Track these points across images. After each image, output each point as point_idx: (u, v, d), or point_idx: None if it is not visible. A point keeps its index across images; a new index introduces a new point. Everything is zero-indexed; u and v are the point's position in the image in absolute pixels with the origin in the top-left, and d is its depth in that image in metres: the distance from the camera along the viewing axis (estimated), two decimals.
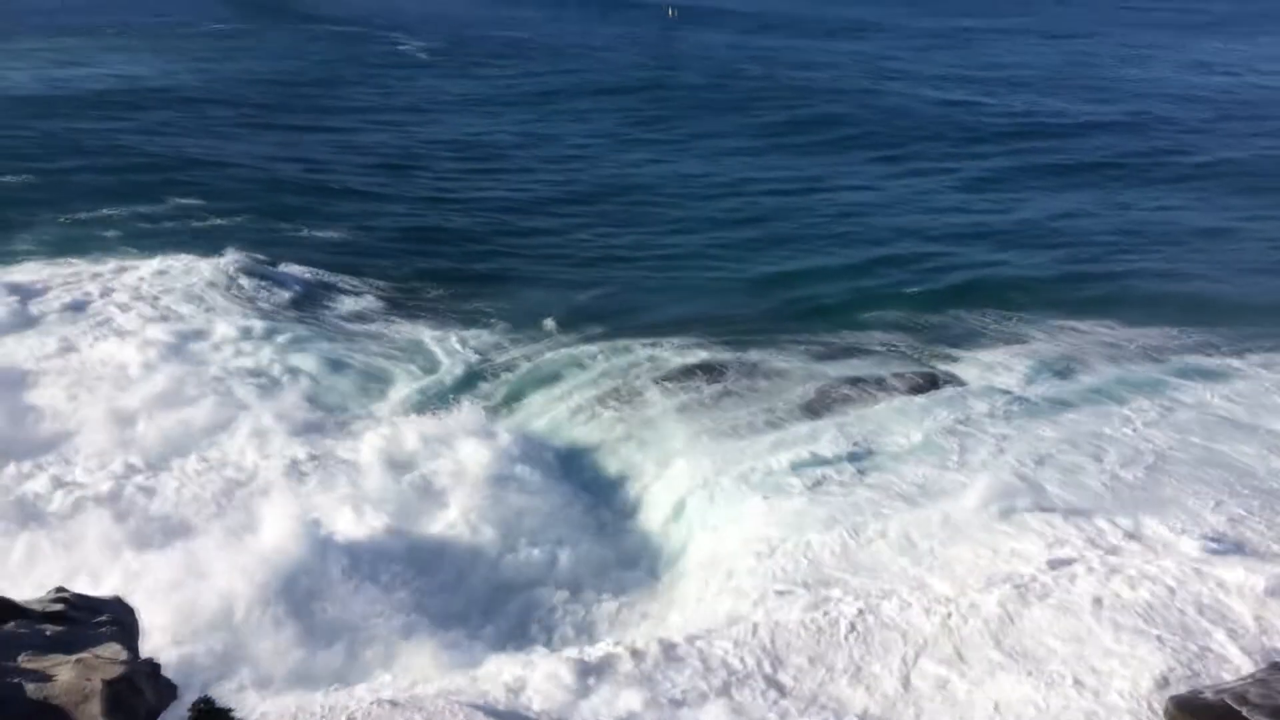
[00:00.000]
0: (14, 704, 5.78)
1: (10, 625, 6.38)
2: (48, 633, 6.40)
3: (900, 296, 32.98)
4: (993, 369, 27.06)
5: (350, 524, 19.33)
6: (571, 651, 16.13)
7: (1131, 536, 18.86)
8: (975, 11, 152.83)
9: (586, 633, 17.64)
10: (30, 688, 5.90)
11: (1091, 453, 22.35)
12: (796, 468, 21.79)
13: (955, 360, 27.88)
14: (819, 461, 22.03)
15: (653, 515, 21.45)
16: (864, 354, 28.23)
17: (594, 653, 15.93)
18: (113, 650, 6.79)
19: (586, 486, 21.97)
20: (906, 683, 15.61)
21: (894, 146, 55.05)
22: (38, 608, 6.79)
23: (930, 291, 33.48)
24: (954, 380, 26.18)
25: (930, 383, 25.86)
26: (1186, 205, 44.59)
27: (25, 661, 6.02)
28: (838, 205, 44.37)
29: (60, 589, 7.07)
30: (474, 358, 27.74)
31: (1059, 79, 79.22)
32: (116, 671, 6.51)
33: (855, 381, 25.93)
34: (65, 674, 6.36)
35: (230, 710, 7.74)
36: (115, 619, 7.49)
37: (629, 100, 70.11)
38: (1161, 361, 27.67)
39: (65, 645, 6.71)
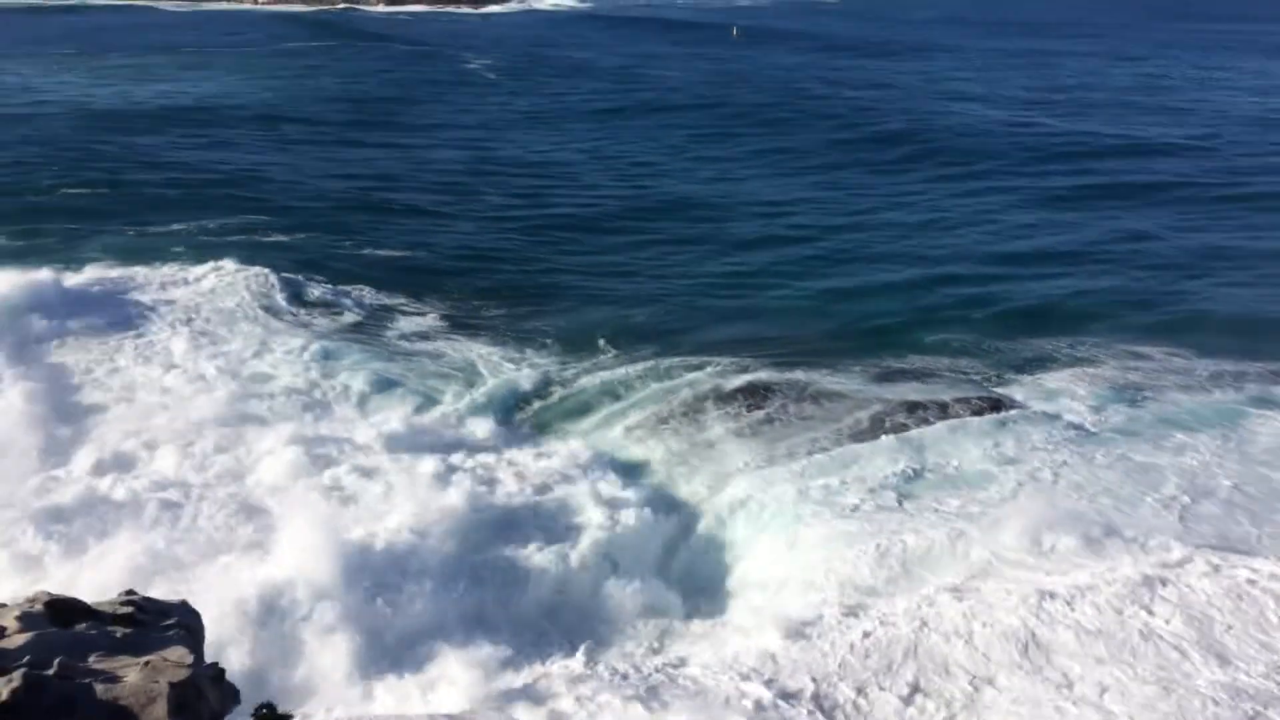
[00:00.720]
0: (84, 704, 5.92)
1: (82, 626, 6.55)
2: (117, 635, 6.55)
3: (964, 318, 32.40)
4: (1056, 395, 26.44)
5: (393, 537, 19.39)
6: (601, 670, 16.23)
7: (1184, 565, 18.21)
8: (1044, 33, 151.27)
9: (615, 651, 17.60)
10: (99, 688, 6.04)
11: (1152, 483, 21.62)
12: (838, 493, 21.51)
13: (1017, 385, 27.31)
14: (863, 487, 21.71)
15: (694, 537, 21.38)
16: (923, 377, 27.80)
17: (616, 670, 16.07)
18: (179, 654, 6.93)
19: (630, 506, 21.75)
20: (903, 715, 15.27)
21: (960, 166, 54.47)
22: (108, 610, 6.97)
23: (995, 313, 32.86)
24: (1015, 406, 25.66)
25: (990, 408, 25.41)
26: (1262, 228, 43.37)
27: (95, 662, 6.18)
28: (902, 225, 44.00)
29: (130, 592, 7.24)
30: (528, 376, 27.73)
31: (1128, 100, 77.90)
32: (182, 675, 6.63)
33: (912, 406, 25.51)
34: (133, 676, 6.50)
35: (290, 716, 7.83)
36: (182, 623, 7.64)
37: (694, 118, 70.48)
38: (1237, 390, 26.61)
39: (133, 647, 6.86)
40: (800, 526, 20.51)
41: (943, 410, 25.18)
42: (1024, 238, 42.17)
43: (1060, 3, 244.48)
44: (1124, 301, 34.24)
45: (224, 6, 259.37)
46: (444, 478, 21.95)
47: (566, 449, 23.98)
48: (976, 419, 24.68)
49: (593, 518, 20.89)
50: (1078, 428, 24.39)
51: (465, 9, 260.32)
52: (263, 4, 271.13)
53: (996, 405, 25.57)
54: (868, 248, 40.69)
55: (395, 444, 23.43)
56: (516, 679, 16.15)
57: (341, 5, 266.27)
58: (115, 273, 34.76)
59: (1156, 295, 35.00)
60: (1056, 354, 29.35)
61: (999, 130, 63.69)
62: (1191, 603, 17.07)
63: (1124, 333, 30.99)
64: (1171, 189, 49.73)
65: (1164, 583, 17.65)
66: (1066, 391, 26.52)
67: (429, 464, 22.36)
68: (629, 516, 21.02)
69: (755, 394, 26.11)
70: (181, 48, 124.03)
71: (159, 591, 16.43)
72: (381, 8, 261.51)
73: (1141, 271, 37.60)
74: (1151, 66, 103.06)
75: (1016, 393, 26.65)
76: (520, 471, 22.64)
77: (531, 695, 15.51)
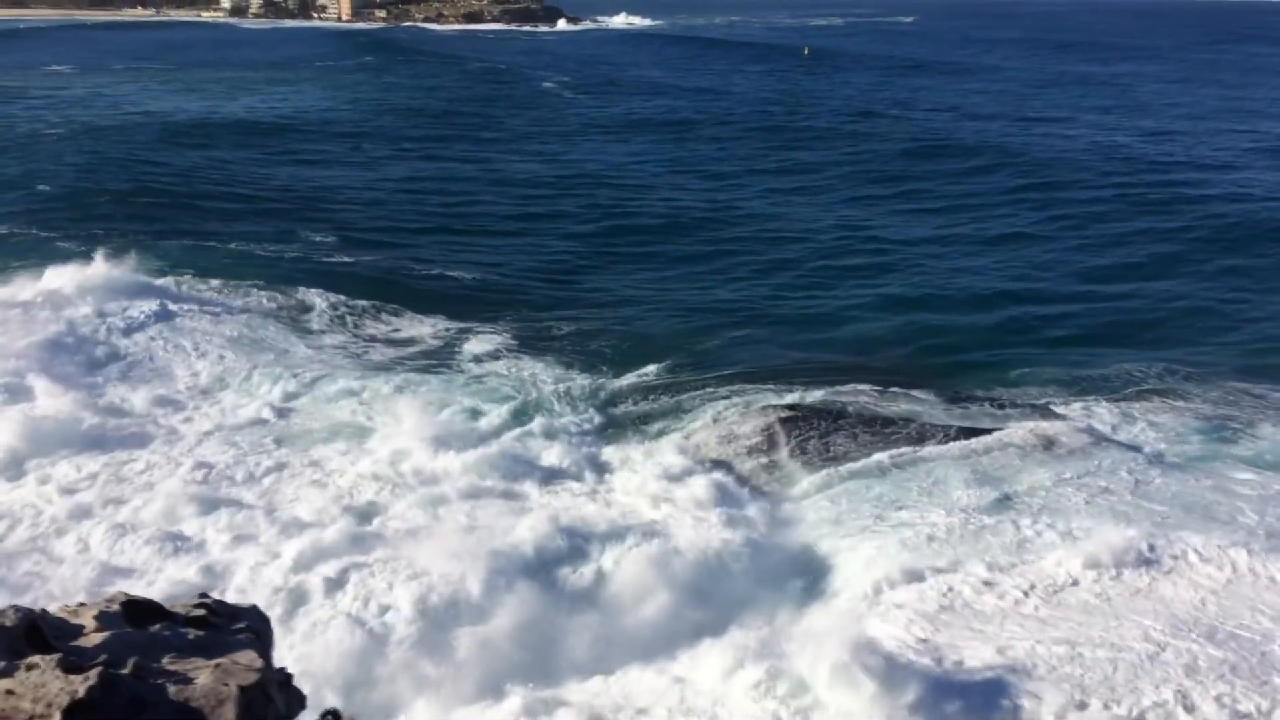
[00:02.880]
0: (155, 704, 5.87)
1: (156, 627, 6.53)
2: (190, 637, 6.52)
3: (1044, 338, 31.47)
4: (1139, 422, 25.44)
5: (460, 568, 18.76)
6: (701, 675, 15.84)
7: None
8: (1122, 56, 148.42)
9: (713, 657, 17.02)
10: (172, 689, 5.99)
11: (1225, 519, 20.46)
12: (910, 511, 21.04)
13: (1098, 410, 26.24)
14: (934, 507, 21.18)
15: (768, 552, 20.86)
16: (998, 400, 27.02)
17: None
18: (249, 657, 6.85)
19: (698, 520, 21.19)
20: None
21: (1039, 185, 53.07)
22: (181, 611, 6.94)
23: (1078, 337, 31.81)
24: (1092, 433, 24.76)
25: (1066, 433, 24.59)
26: None
27: (168, 663, 6.14)
28: (980, 245, 42.93)
29: (203, 595, 7.22)
30: (590, 397, 27.09)
31: (1217, 124, 75.89)
32: (251, 678, 6.54)
33: (985, 428, 24.84)
34: (204, 678, 6.43)
35: None
36: (252, 627, 7.58)
37: (767, 135, 70.27)
38: None
39: (205, 649, 6.80)
40: (872, 543, 20.13)
41: (1016, 436, 24.42)
42: (1110, 257, 40.82)
43: (1137, 25, 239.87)
44: (1220, 326, 32.71)
45: (300, 24, 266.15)
46: (510, 499, 21.55)
47: (628, 471, 23.43)
48: (1052, 446, 23.89)
49: (662, 530, 20.45)
50: (1157, 459, 23.35)
51: (543, 28, 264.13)
52: (345, 21, 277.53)
53: (1071, 431, 24.76)
54: (944, 265, 39.83)
55: (470, 469, 22.62)
56: (605, 691, 15.87)
57: (416, 23, 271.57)
58: (172, 289, 33.81)
59: (1257, 321, 33.31)
60: (1143, 380, 28.07)
61: (1082, 152, 62.25)
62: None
63: (1221, 364, 29.41)
64: (1270, 206, 47.47)
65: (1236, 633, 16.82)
66: (1151, 420, 25.43)
67: (498, 488, 21.96)
68: (700, 530, 20.55)
69: (828, 417, 25.55)
70: (260, 64, 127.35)
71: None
72: (455, 25, 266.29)
73: (1240, 294, 35.83)
74: (1236, 90, 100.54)
75: (1096, 419, 25.71)
76: (586, 490, 22.28)
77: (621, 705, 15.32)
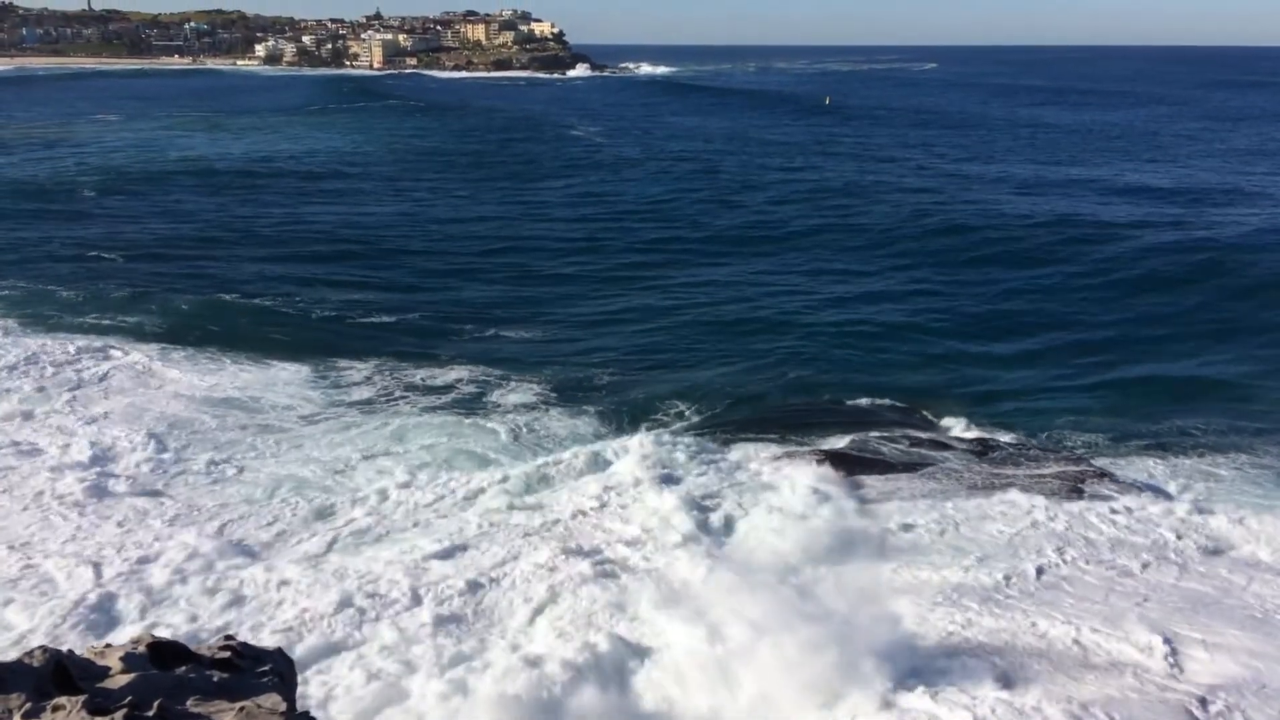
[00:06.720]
0: None
1: (182, 669, 6.53)
2: (215, 679, 6.53)
3: (1086, 385, 30.51)
4: (1189, 475, 24.40)
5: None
6: None
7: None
8: (1156, 101, 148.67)
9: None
10: None
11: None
12: (925, 576, 20.06)
13: (1141, 460, 25.34)
14: (955, 565, 20.33)
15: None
16: (1036, 447, 26.08)
17: None
18: (273, 700, 6.87)
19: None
20: None
21: (1070, 217, 52.45)
22: (207, 654, 6.96)
23: (1132, 384, 30.53)
24: (1128, 484, 24.14)
25: (1098, 481, 24.09)
26: None
27: (193, 705, 6.14)
28: (1017, 289, 41.95)
29: (229, 637, 7.22)
30: (628, 448, 25.68)
31: (1251, 162, 75.59)
32: None
33: (1016, 477, 24.30)
34: None
35: None
36: (276, 669, 7.59)
37: (791, 175, 70.52)
38: None
39: (230, 692, 6.82)
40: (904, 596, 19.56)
41: (1048, 490, 23.76)
42: (1154, 293, 39.78)
43: (1157, 72, 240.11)
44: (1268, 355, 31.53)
45: (331, 72, 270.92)
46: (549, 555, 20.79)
47: (671, 527, 22.02)
48: (1091, 502, 22.85)
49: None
50: (1209, 515, 22.17)
51: (569, 74, 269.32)
52: (377, 68, 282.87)
53: (1108, 481, 24.08)
54: (981, 306, 39.09)
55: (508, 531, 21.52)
56: None
57: (446, 70, 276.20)
58: (174, 349, 31.96)
59: None
60: (1200, 434, 26.68)
61: (1111, 190, 61.89)
62: None
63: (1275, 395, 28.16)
64: None
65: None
66: (1208, 473, 24.35)
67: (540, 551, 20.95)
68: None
69: (859, 461, 25.05)
70: (290, 108, 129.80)
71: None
72: (484, 73, 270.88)
73: None
74: (1266, 132, 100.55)
75: (1135, 467, 24.83)
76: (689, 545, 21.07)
77: None
